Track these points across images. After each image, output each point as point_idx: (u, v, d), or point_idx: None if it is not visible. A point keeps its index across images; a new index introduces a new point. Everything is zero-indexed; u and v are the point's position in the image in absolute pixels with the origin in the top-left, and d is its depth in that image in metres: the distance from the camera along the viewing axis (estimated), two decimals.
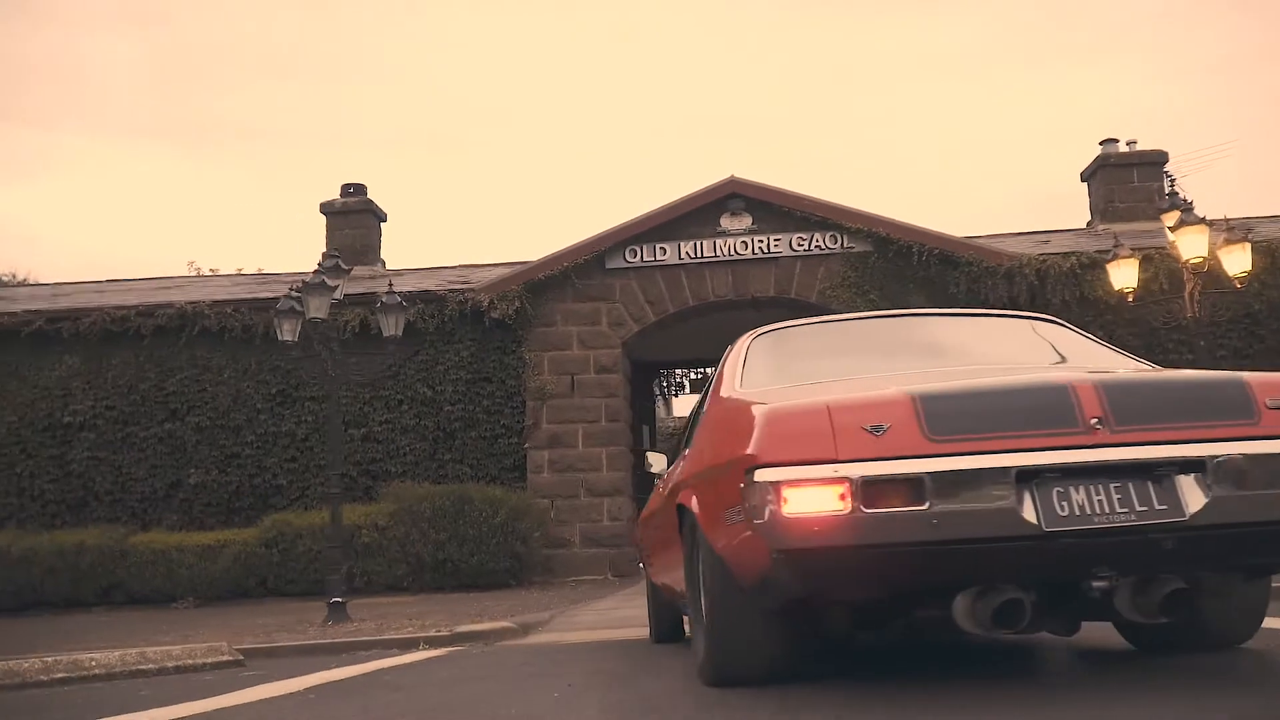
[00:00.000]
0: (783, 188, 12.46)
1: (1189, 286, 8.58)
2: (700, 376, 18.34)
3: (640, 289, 12.50)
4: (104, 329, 12.80)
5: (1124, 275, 9.24)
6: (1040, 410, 2.62)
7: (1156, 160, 14.57)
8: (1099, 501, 2.52)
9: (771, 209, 12.41)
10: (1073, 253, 12.31)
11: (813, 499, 2.54)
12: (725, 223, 12.48)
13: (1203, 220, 8.34)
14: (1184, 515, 2.50)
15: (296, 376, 12.48)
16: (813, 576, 2.71)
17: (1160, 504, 2.52)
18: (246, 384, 12.68)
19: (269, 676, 5.32)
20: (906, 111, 68.93)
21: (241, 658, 6.18)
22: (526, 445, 12.43)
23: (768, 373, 3.55)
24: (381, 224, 15.92)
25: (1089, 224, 14.95)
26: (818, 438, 2.59)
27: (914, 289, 12.15)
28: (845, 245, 12.31)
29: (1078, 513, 2.51)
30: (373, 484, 12.30)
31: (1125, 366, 3.28)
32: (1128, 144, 14.99)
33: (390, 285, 9.46)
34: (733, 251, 12.41)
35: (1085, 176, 15.25)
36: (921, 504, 2.49)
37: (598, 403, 12.39)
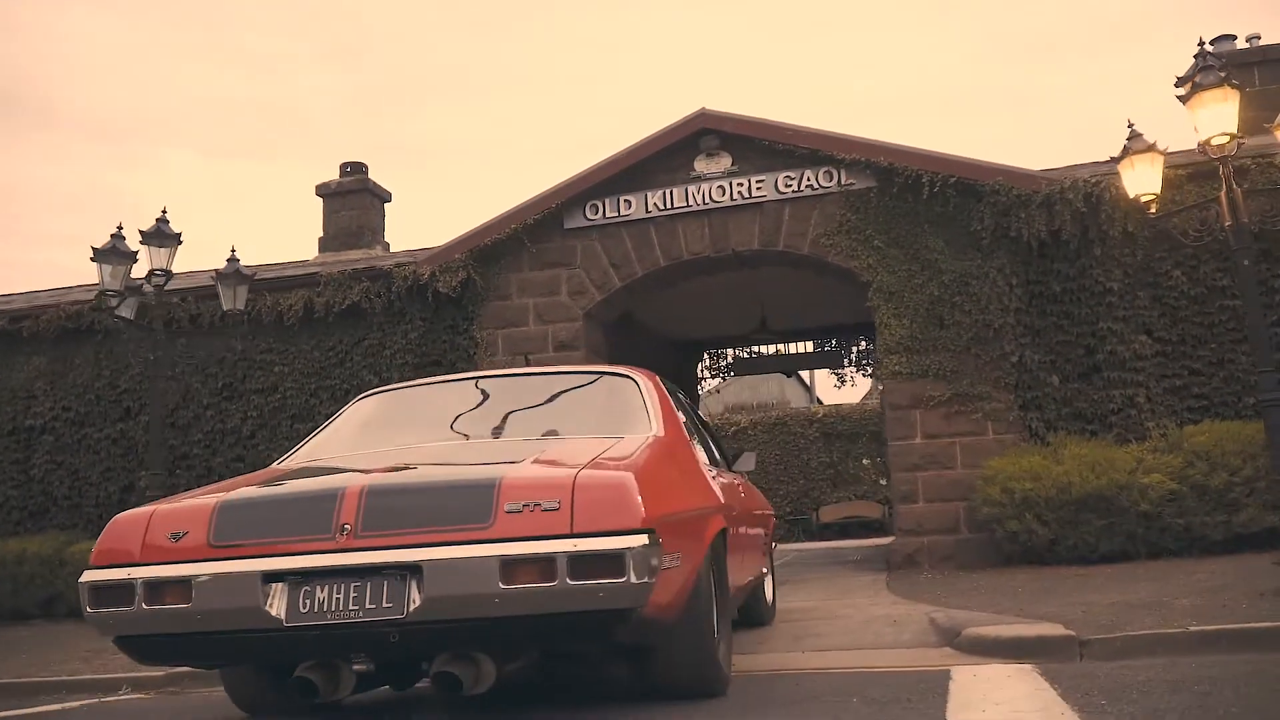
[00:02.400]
0: (764, 118, 10.31)
1: (1224, 184, 6.02)
2: (752, 355, 16.25)
3: (604, 250, 10.65)
4: (61, 326, 12.10)
5: (1140, 179, 6.67)
6: (305, 517, 3.10)
7: None
8: (338, 600, 2.95)
9: (753, 145, 10.27)
10: None
11: (110, 597, 3.13)
12: (700, 166, 10.43)
13: (1226, 82, 5.79)
14: (403, 614, 2.91)
15: (242, 368, 11.40)
16: (139, 657, 3.35)
17: (388, 602, 2.92)
18: (195, 379, 11.66)
19: None
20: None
21: None
22: None
23: (319, 446, 4.13)
24: (384, 204, 14.74)
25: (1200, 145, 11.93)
26: (130, 542, 3.19)
27: (929, 229, 9.74)
28: (842, 182, 10.03)
29: (317, 610, 2.96)
30: None
31: (601, 440, 3.53)
32: (1248, 40, 11.88)
33: (233, 251, 8.10)
34: (709, 199, 10.36)
35: (1182, 82, 12.20)
36: (188, 601, 3.04)
37: None
